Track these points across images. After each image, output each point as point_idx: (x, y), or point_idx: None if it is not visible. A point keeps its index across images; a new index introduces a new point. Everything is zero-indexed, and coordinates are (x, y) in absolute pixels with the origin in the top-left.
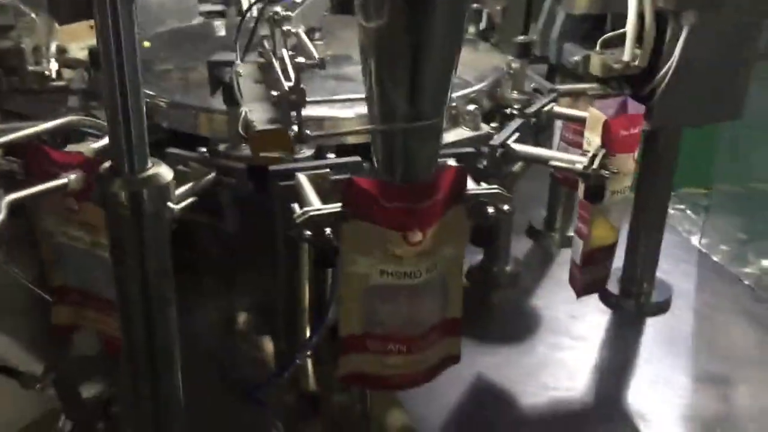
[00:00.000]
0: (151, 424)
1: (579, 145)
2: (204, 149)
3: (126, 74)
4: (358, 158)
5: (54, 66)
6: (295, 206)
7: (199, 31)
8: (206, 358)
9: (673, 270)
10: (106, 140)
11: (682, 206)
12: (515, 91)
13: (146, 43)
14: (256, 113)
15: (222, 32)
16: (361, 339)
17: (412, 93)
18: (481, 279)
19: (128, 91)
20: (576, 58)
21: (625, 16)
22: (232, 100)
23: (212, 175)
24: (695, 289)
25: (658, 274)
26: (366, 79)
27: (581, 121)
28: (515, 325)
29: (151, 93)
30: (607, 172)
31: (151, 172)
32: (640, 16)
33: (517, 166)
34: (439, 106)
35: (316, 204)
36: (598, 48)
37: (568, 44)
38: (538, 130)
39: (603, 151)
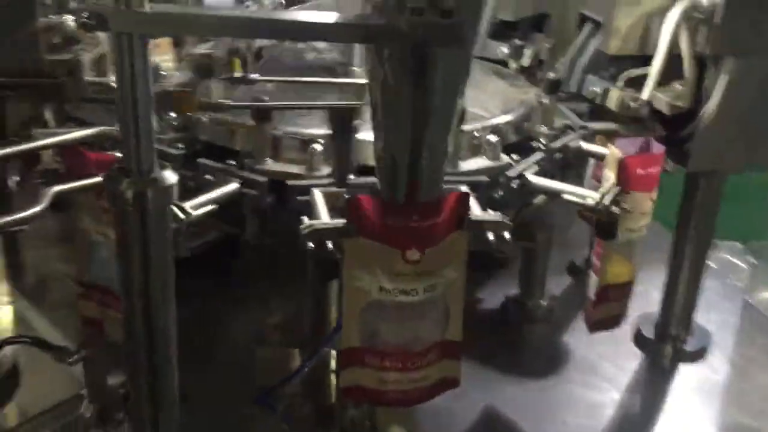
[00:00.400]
0: (147, 416)
1: None
2: (233, 161)
3: (138, 90)
4: (374, 180)
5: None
6: (305, 219)
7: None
8: (234, 368)
9: (714, 318)
10: None
11: (729, 254)
12: (544, 126)
13: None
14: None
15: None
16: (359, 353)
17: (415, 123)
18: (515, 312)
19: (139, 103)
20: (596, 89)
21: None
22: (261, 116)
23: (235, 185)
24: (735, 339)
25: (697, 320)
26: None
27: None
28: (544, 359)
29: None
30: (618, 209)
31: (155, 175)
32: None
33: (539, 199)
34: (442, 135)
35: (324, 218)
36: (620, 83)
37: (592, 76)
38: (564, 166)
39: (617, 188)
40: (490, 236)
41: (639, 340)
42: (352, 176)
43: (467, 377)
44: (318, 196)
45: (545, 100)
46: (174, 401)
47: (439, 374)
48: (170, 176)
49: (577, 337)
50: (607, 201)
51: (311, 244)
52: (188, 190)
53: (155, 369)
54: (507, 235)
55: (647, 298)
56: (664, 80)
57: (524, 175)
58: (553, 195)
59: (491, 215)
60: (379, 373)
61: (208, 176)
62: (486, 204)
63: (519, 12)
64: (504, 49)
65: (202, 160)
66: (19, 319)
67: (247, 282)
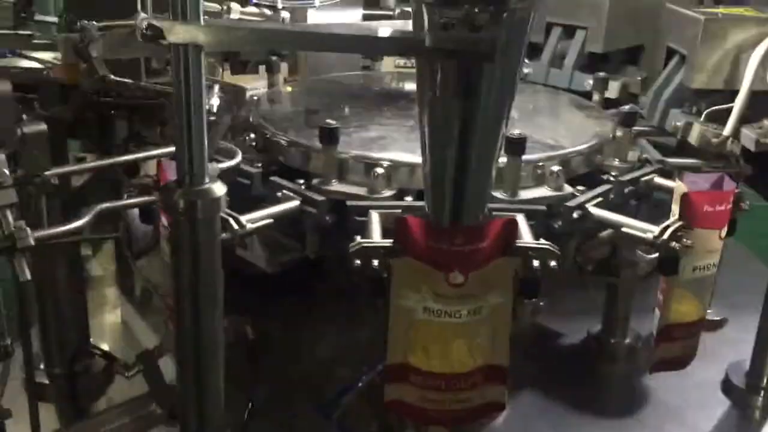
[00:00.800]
0: (194, 415)
1: None
2: (301, 181)
3: (192, 108)
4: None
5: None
6: (358, 238)
7: (346, 81)
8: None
9: None
10: None
11: None
12: (617, 159)
13: (288, 88)
14: None
15: (362, 82)
16: (404, 370)
17: (460, 143)
18: (597, 349)
19: (193, 121)
20: (678, 123)
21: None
22: (329, 140)
23: (295, 203)
24: None
25: None
26: (420, 126)
27: None
28: (621, 400)
29: (272, 130)
30: (678, 245)
31: (206, 186)
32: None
33: (607, 233)
34: (486, 155)
35: (376, 238)
36: (702, 118)
37: (675, 110)
38: (639, 200)
39: (679, 223)
40: (536, 263)
41: (727, 388)
42: (409, 198)
43: (539, 410)
44: (374, 216)
45: (619, 133)
46: (219, 405)
47: (484, 398)
48: (219, 188)
49: (661, 380)
50: (666, 236)
51: (358, 262)
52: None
53: (202, 372)
54: (553, 263)
55: (742, 345)
56: (754, 117)
57: (585, 207)
58: (613, 228)
59: (537, 243)
60: (422, 391)
61: (278, 193)
62: (545, 234)
63: (608, 45)
64: (590, 81)
65: (273, 178)
66: (123, 322)
67: (329, 301)
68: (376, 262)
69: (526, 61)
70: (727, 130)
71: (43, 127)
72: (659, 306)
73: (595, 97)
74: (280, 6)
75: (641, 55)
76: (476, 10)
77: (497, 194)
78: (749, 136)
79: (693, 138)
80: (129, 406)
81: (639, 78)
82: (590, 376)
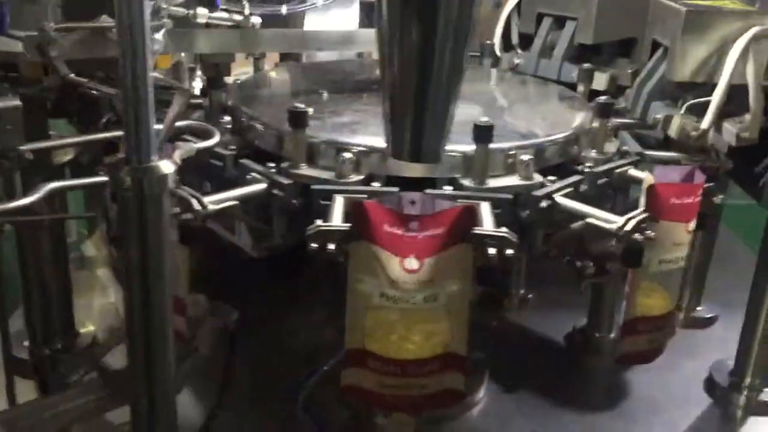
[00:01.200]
0: (145, 398)
1: None
2: (272, 164)
3: (138, 84)
4: (396, 189)
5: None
6: (317, 221)
7: (332, 66)
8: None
9: None
10: None
11: None
12: (593, 150)
13: (272, 73)
14: None
15: (348, 68)
16: (362, 355)
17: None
18: (581, 343)
19: (140, 96)
20: (658, 115)
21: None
22: (297, 123)
23: (262, 186)
24: None
25: None
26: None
27: None
28: (604, 394)
29: (247, 113)
30: (641, 236)
31: (153, 164)
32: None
33: (578, 225)
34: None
35: (337, 222)
36: (682, 111)
37: (657, 102)
38: (615, 192)
39: (643, 215)
40: (492, 251)
41: (710, 386)
42: (377, 184)
43: (521, 403)
44: (338, 200)
45: (595, 124)
46: (169, 383)
47: (441, 385)
48: (167, 165)
49: (647, 376)
50: (629, 227)
51: (314, 245)
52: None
53: (151, 350)
54: (510, 251)
55: (731, 344)
56: (738, 111)
57: (552, 197)
58: (578, 218)
59: (494, 230)
60: (379, 376)
61: (248, 176)
62: (513, 223)
63: (598, 36)
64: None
65: (243, 161)
66: (113, 303)
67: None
68: (332, 246)
69: (519, 51)
70: (705, 123)
71: (17, 102)
72: (626, 299)
73: (580, 88)
74: (247, 12)
75: (634, 48)
76: None
77: (465, 182)
78: (730, 130)
79: (672, 131)
80: (84, 388)
81: (629, 71)
82: (575, 369)
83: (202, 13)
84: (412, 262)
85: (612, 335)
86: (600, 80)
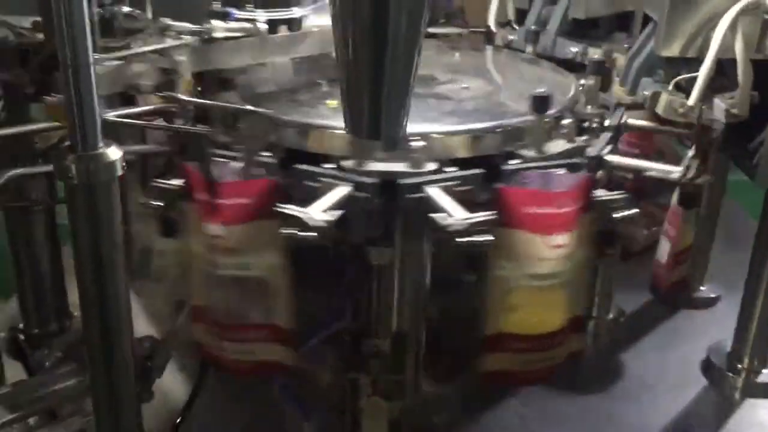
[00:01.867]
0: (105, 383)
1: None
2: (332, 165)
3: (80, 71)
4: (479, 171)
5: None
6: (439, 216)
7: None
8: None
9: None
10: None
11: None
12: (590, 106)
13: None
14: None
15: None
16: (501, 339)
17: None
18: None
19: (81, 85)
20: (646, 92)
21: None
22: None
23: (348, 188)
24: None
25: None
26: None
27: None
28: (597, 375)
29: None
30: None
31: (100, 151)
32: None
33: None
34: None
35: (460, 213)
36: (670, 87)
37: (647, 79)
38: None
39: (696, 161)
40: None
41: (707, 368)
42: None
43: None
44: (437, 192)
45: (591, 81)
46: (129, 371)
47: (569, 348)
48: (114, 152)
49: (640, 356)
50: (691, 174)
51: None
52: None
53: (109, 338)
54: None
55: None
56: (731, 86)
57: (602, 156)
58: (635, 171)
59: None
60: (520, 355)
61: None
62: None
63: (591, 10)
64: (573, 49)
65: (301, 166)
66: None
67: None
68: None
69: (515, 27)
70: (692, 99)
71: None
72: (670, 236)
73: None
74: (263, 18)
75: (632, 22)
76: None
77: (524, 152)
78: (720, 106)
79: (660, 108)
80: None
81: (625, 45)
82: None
83: (219, 26)
84: (556, 239)
85: (610, 316)
86: (594, 55)
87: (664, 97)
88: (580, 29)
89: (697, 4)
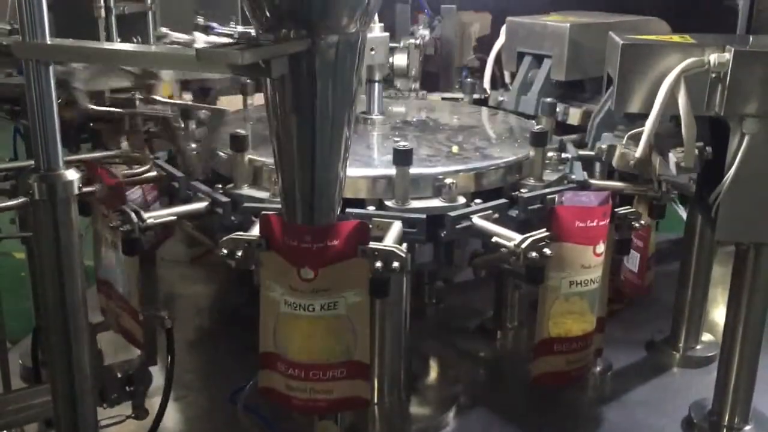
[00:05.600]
0: (67, 390)
1: None
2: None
3: (44, 103)
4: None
5: None
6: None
7: None
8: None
9: None
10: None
11: None
12: (531, 178)
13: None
14: None
15: None
16: (273, 358)
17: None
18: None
19: (46, 111)
20: (603, 145)
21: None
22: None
23: (203, 204)
24: None
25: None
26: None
27: None
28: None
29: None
30: (537, 255)
31: (60, 171)
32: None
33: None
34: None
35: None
36: (624, 141)
37: (607, 134)
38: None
39: (544, 234)
40: (378, 264)
41: (689, 426)
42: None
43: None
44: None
45: (532, 153)
46: (86, 375)
47: (346, 392)
48: (72, 173)
49: (625, 411)
50: (524, 245)
51: (224, 251)
52: None
53: (69, 342)
54: (396, 264)
55: None
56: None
57: (469, 217)
58: (486, 237)
59: (384, 245)
60: (286, 379)
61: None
62: (434, 242)
63: (570, 73)
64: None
65: (194, 183)
66: None
67: None
68: (239, 253)
69: (509, 89)
70: (638, 152)
71: None
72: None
73: (542, 121)
74: (240, 30)
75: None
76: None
77: (388, 203)
78: (672, 159)
79: (614, 160)
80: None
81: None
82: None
83: (200, 37)
84: (307, 272)
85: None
86: (574, 115)
87: (618, 150)
88: (568, 91)
89: (646, 64)
